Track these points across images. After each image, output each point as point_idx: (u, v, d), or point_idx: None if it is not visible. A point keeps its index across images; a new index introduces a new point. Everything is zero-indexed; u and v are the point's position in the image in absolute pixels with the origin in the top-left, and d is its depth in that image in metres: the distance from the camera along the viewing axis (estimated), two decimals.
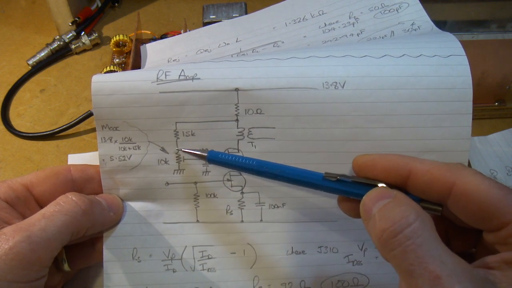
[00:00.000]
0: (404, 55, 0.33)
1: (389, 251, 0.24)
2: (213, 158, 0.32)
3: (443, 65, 0.32)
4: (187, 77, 0.32)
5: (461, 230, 0.29)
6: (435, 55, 0.33)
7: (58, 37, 0.56)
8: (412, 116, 0.32)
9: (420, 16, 0.39)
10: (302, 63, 0.33)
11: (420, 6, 0.40)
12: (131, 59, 0.47)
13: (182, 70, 0.33)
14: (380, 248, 0.25)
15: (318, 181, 0.29)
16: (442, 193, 0.26)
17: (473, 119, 0.32)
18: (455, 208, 0.26)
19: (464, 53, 0.33)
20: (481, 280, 0.22)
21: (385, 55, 0.33)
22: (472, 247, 0.29)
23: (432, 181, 0.26)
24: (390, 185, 0.27)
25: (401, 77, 0.32)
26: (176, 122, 0.33)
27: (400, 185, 0.27)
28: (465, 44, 0.33)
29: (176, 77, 0.32)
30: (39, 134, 0.48)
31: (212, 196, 0.34)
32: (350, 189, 0.28)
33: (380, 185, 0.27)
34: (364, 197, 0.27)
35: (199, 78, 0.32)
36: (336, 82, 0.32)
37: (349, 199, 0.29)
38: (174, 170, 0.34)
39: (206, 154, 0.32)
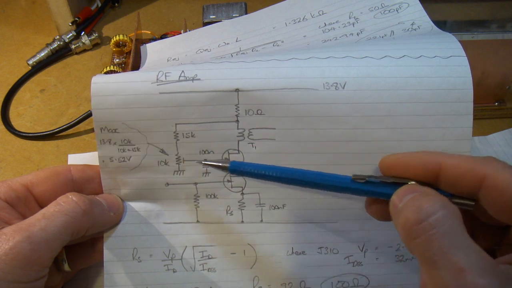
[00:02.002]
0: (404, 56, 0.33)
1: (413, 239, 0.23)
2: (235, 169, 0.31)
3: (444, 66, 0.32)
4: (187, 78, 0.32)
5: (486, 227, 0.29)
6: (435, 56, 0.33)
7: (58, 37, 0.56)
8: (412, 117, 0.32)
9: (420, 16, 0.39)
10: (302, 64, 0.33)
11: (420, 6, 0.40)
12: (131, 59, 0.47)
13: (182, 71, 0.32)
14: (403, 237, 0.24)
15: (347, 184, 0.29)
16: (473, 186, 0.25)
17: (473, 119, 0.32)
18: (486, 202, 0.25)
19: (464, 54, 0.33)
20: (505, 276, 0.22)
21: (385, 56, 0.33)
22: (496, 245, 0.29)
23: (463, 175, 0.25)
24: (421, 183, 0.27)
25: (401, 78, 0.32)
26: (176, 124, 0.33)
27: (431, 181, 0.27)
28: (465, 44, 0.33)
29: (176, 78, 0.32)
30: (39, 134, 0.48)
31: (212, 196, 0.34)
32: (379, 190, 0.28)
33: (410, 183, 0.27)
34: (393, 194, 0.26)
35: (199, 79, 0.32)
36: (336, 83, 0.32)
37: (376, 202, 0.29)
38: (174, 171, 0.34)
39: (228, 165, 0.31)
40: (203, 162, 0.32)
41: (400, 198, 0.26)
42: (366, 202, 0.30)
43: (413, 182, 0.27)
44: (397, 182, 0.27)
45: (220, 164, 0.31)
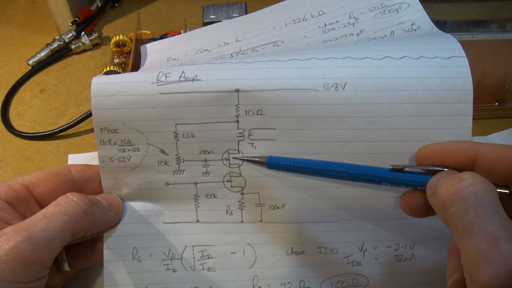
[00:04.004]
0: (404, 56, 0.33)
1: (451, 206, 0.24)
2: (273, 163, 0.33)
3: (444, 67, 0.32)
4: (188, 78, 0.32)
5: None
6: (435, 57, 0.33)
7: (58, 37, 0.56)
8: (412, 117, 0.32)
9: (420, 16, 0.39)
10: (302, 64, 0.33)
11: (420, 6, 0.40)
12: (131, 59, 0.47)
13: (183, 71, 0.33)
14: (441, 207, 0.25)
15: (385, 174, 0.30)
16: (509, 171, 0.26)
17: (473, 119, 0.32)
18: None
19: (464, 54, 0.33)
20: None
21: (385, 57, 0.33)
22: None
23: (499, 159, 0.26)
24: (458, 170, 0.28)
25: (401, 78, 0.32)
26: (176, 124, 0.33)
27: (466, 169, 0.27)
28: (465, 45, 0.33)
29: (177, 78, 0.32)
30: (39, 134, 0.48)
31: (212, 196, 0.34)
32: (417, 178, 0.29)
33: (446, 170, 0.28)
34: (431, 178, 0.27)
35: (199, 79, 0.32)
36: (336, 84, 0.32)
37: (412, 196, 0.30)
38: (174, 171, 0.34)
39: (265, 160, 0.33)
40: (239, 158, 0.33)
41: (438, 178, 0.26)
42: (402, 196, 0.30)
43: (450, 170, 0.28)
44: (434, 170, 0.28)
45: (258, 159, 0.33)
